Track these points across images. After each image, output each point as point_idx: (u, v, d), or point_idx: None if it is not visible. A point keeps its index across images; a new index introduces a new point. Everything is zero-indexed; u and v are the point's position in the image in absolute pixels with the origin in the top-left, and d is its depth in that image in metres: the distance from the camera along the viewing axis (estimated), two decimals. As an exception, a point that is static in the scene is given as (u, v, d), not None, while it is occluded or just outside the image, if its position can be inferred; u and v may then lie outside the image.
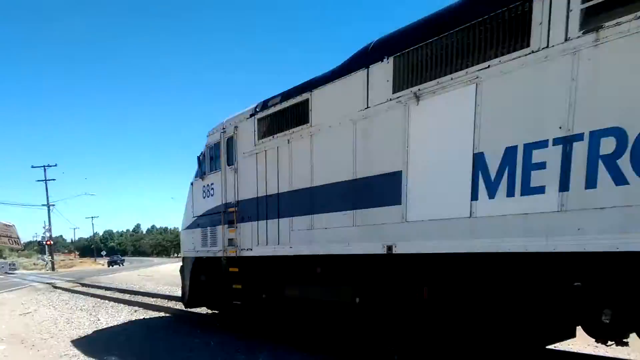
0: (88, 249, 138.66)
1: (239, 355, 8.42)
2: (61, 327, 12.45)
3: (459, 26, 5.59)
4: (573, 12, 4.58)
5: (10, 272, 28.97)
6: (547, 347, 6.84)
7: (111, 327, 12.10)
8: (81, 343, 10.08)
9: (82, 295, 21.29)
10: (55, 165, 51.86)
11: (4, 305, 17.64)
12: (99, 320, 13.26)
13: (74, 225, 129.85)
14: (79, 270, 54.86)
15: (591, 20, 4.48)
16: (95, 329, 11.82)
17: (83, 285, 27.17)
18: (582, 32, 4.53)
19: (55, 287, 26.97)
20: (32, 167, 52.18)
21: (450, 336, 6.30)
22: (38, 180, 52.93)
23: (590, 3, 4.48)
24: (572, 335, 5.86)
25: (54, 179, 54.89)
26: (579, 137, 4.55)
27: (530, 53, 4.91)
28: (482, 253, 5.40)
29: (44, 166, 51.39)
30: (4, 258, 64.68)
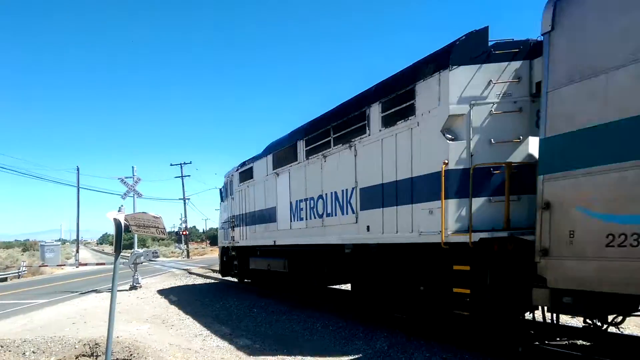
0: (217, 238, 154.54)
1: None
2: (197, 308, 13.48)
3: (279, 149, 13.02)
4: (270, 166, 12.15)
5: (152, 259, 31.93)
6: (329, 286, 13.96)
7: (239, 310, 12.85)
8: (213, 324, 10.94)
9: (213, 280, 22.60)
10: (190, 163, 53.84)
11: (148, 289, 19.02)
12: (229, 303, 14.19)
13: (205, 216, 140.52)
14: (209, 257, 57.05)
15: (275, 169, 11.87)
16: (226, 312, 12.71)
17: (214, 271, 27.62)
18: (273, 171, 11.93)
19: (190, 273, 28.21)
20: (171, 164, 53.91)
21: (295, 280, 13.63)
22: (176, 177, 55.65)
23: (276, 170, 11.71)
24: (338, 283, 12.80)
25: (188, 175, 56.66)
26: (305, 200, 11.73)
27: (286, 170, 12.20)
28: (295, 244, 12.64)
29: (180, 164, 53.08)
30: (147, 247, 67.70)
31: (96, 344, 8.62)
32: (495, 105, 6.90)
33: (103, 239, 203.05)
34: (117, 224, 6.11)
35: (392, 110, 8.39)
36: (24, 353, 8.87)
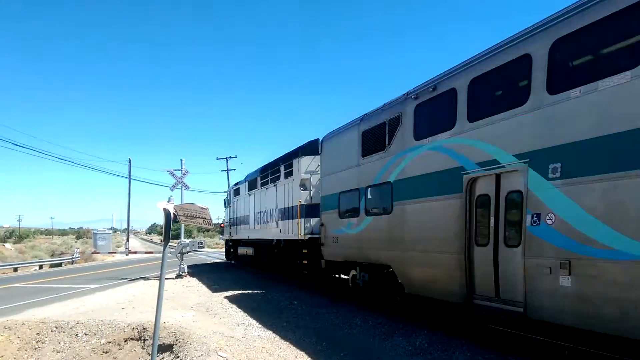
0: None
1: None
2: (239, 298, 13.51)
3: (250, 179, 21.04)
4: (246, 189, 19.86)
5: (198, 249, 31.12)
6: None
7: (281, 302, 12.73)
8: (255, 313, 11.00)
9: (254, 272, 22.28)
10: (235, 157, 55.49)
11: (193, 278, 19.40)
12: (269, 294, 14.02)
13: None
14: (251, 249, 59.53)
15: (249, 191, 19.80)
16: (267, 303, 12.66)
17: (258, 263, 24.80)
18: (248, 192, 19.89)
19: (232, 264, 28.36)
20: (217, 158, 54.42)
21: (259, 261, 21.62)
22: (222, 170, 56.37)
23: (249, 192, 19.65)
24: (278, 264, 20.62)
25: (234, 169, 56.36)
26: (260, 212, 19.72)
27: (252, 193, 20.20)
28: (256, 238, 20.67)
29: (226, 158, 53.61)
30: (193, 237, 66.86)
31: (144, 328, 8.72)
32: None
33: (151, 229, 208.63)
34: (167, 213, 6.12)
35: (287, 170, 16.24)
36: (77, 335, 9.22)
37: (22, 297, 15.59)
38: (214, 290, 15.38)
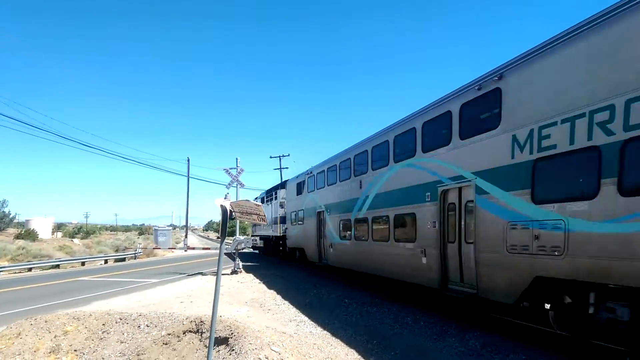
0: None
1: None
2: (291, 295, 13.69)
3: (262, 196, 33.02)
4: (259, 201, 31.44)
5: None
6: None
7: (331, 300, 12.81)
8: (307, 310, 11.22)
9: (305, 268, 22.43)
10: (288, 155, 55.64)
11: (247, 275, 19.81)
12: (321, 292, 14.15)
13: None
14: (303, 246, 61.57)
15: (262, 203, 31.29)
16: (319, 300, 12.73)
17: (305, 258, 24.94)
18: (262, 204, 31.12)
19: (285, 260, 29.08)
20: (270, 157, 54.85)
21: (266, 249, 33.18)
22: (275, 169, 57.47)
23: (262, 204, 31.12)
24: (276, 251, 31.78)
25: (287, 167, 57.43)
26: (275, 218, 31.02)
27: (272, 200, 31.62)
28: (265, 235, 32.40)
29: (279, 156, 54.25)
30: (247, 234, 66.31)
31: (201, 321, 8.92)
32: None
33: (208, 226, 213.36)
34: (224, 210, 6.34)
35: (275, 195, 28.12)
36: (139, 326, 9.58)
37: (89, 290, 16.61)
38: (268, 286, 15.78)
